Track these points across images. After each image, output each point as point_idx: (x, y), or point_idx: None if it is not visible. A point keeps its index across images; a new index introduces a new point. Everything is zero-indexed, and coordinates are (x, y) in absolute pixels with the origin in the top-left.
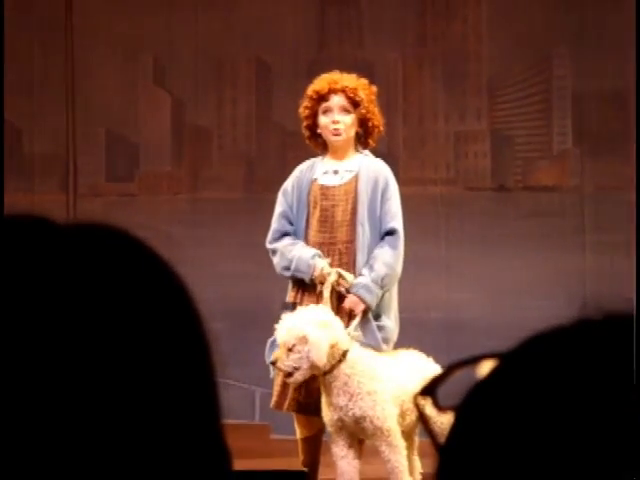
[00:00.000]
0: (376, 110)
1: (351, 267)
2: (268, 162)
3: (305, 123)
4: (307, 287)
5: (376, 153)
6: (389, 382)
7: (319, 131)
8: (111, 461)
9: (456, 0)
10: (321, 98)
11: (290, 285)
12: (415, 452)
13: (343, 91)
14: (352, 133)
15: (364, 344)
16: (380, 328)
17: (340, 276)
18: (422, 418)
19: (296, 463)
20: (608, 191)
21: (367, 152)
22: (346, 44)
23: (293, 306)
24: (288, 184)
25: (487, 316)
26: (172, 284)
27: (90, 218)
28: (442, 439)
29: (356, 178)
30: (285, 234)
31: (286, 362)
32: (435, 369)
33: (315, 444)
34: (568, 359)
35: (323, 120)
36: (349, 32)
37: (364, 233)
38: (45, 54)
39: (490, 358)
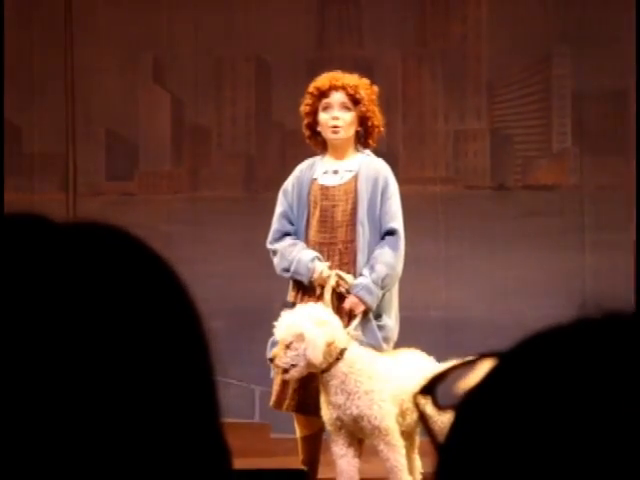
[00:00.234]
0: (377, 110)
1: (351, 267)
2: (268, 161)
3: (305, 121)
4: (307, 287)
5: (376, 152)
6: (388, 381)
7: (319, 129)
8: (111, 460)
9: (456, 0)
10: (322, 94)
11: (291, 285)
12: (416, 451)
13: (344, 88)
14: (352, 132)
15: (365, 343)
16: (381, 327)
17: (340, 278)
18: (422, 417)
19: (296, 462)
20: (607, 190)
21: (368, 152)
22: (346, 44)
23: (293, 306)
24: (288, 183)
25: (486, 314)
26: (171, 283)
27: (90, 217)
28: (442, 438)
29: (356, 178)
30: (286, 234)
31: (283, 359)
32: (436, 368)
33: (315, 443)
34: (567, 358)
35: (323, 117)
36: (349, 32)
37: (364, 233)
38: (45, 54)
39: (489, 357)
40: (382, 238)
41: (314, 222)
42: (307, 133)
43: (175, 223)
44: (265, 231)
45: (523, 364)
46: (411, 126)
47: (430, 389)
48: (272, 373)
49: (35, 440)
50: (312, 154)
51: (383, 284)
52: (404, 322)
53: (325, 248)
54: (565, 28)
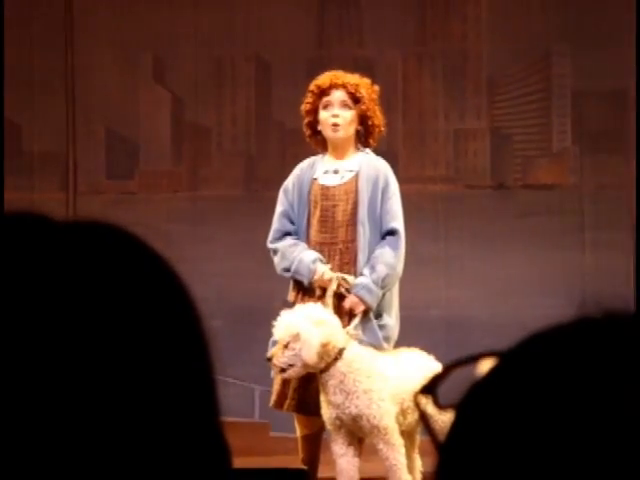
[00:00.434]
0: (377, 109)
1: (352, 267)
2: (268, 160)
3: (306, 120)
4: (308, 288)
5: (376, 151)
6: (387, 380)
7: (319, 128)
8: (110, 459)
9: (456, 0)
10: (322, 92)
11: (291, 285)
12: (416, 450)
13: (344, 86)
14: (352, 130)
15: (365, 342)
16: (381, 327)
17: (342, 280)
18: (423, 416)
19: (296, 461)
20: (607, 189)
21: (368, 151)
22: (346, 43)
23: (293, 305)
24: (289, 182)
25: (487, 314)
26: (171, 282)
27: (90, 216)
28: (442, 438)
29: (356, 177)
30: (286, 233)
31: (281, 359)
32: (437, 367)
33: (315, 442)
34: (567, 357)
35: (323, 115)
36: (349, 31)
37: (365, 233)
38: (45, 54)
39: (490, 356)
40: (383, 238)
41: (314, 222)
42: (308, 132)
43: (175, 222)
44: (265, 230)
45: (523, 364)
46: (411, 125)
47: (431, 388)
48: (272, 373)
49: (35, 440)
50: (312, 153)
51: (383, 284)
52: (404, 321)
53: (326, 248)
54: (565, 27)
